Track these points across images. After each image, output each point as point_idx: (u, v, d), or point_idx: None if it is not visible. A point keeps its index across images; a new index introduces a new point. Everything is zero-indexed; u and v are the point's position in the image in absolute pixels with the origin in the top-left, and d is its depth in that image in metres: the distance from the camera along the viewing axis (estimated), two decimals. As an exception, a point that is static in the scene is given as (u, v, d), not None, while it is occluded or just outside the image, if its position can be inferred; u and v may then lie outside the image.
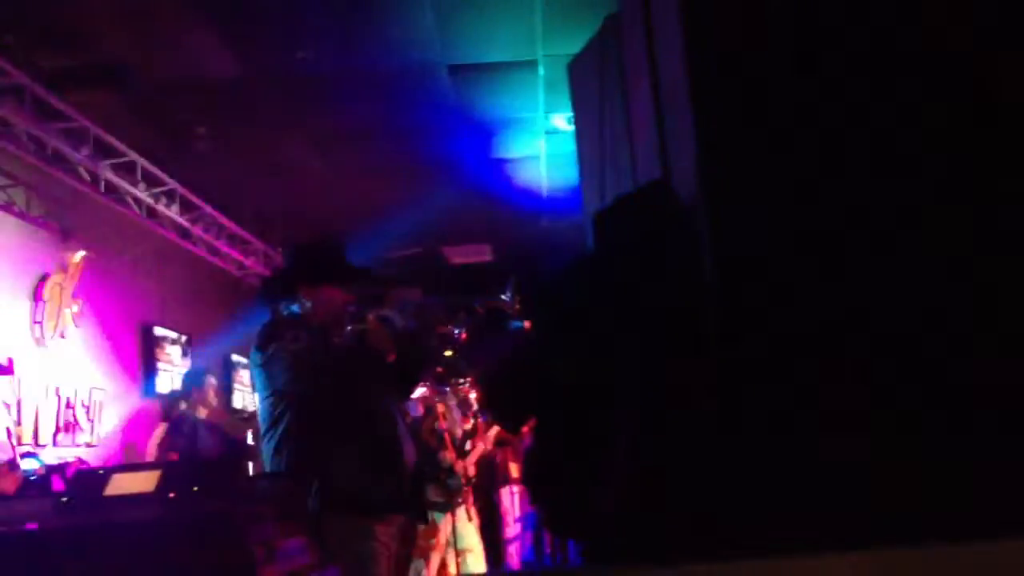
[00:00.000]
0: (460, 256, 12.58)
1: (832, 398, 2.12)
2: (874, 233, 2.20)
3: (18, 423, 6.82)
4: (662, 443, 2.15)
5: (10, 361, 4.41)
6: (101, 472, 3.01)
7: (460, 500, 6.93)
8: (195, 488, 2.91)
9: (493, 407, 2.89)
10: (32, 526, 2.61)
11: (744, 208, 2.37)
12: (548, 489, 2.31)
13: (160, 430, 7.21)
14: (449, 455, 6.81)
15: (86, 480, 3.04)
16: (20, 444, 6.49)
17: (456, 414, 7.14)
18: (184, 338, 9.63)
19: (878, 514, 1.80)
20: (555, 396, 2.38)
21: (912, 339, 2.01)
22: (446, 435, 6.98)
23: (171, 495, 2.81)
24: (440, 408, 6.90)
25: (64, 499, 2.91)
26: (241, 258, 10.27)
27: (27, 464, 4.58)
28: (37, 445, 6.99)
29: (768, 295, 2.26)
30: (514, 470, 8.96)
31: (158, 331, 9.28)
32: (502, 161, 9.56)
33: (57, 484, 4.69)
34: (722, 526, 1.81)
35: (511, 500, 8.49)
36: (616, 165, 3.60)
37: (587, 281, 2.49)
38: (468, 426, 7.25)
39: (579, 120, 4.25)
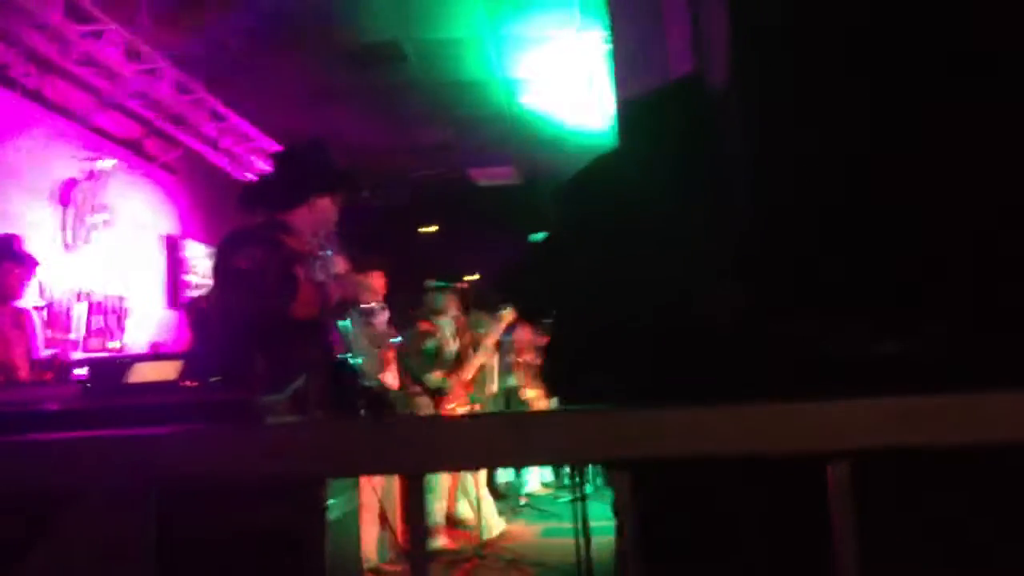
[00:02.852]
0: (486, 177, 12.51)
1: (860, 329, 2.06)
2: (921, 140, 2.12)
3: (48, 327, 6.88)
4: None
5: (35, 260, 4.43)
6: (121, 361, 3.03)
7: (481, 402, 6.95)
8: (213, 378, 2.93)
9: (514, 299, 2.86)
10: (53, 407, 2.62)
11: (779, 105, 2.29)
12: (566, 384, 2.28)
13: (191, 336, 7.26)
14: (437, 373, 6.79)
15: (108, 368, 3.06)
16: (49, 347, 6.55)
17: (447, 332, 7.09)
18: (211, 250, 9.66)
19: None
20: (575, 291, 2.34)
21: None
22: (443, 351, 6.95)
23: (191, 384, 2.82)
24: (424, 327, 6.86)
25: (87, 385, 2.93)
26: (270, 168, 10.24)
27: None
28: (59, 351, 7.06)
29: (799, 197, 2.20)
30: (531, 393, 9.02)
31: (184, 241, 9.31)
32: (531, 80, 9.42)
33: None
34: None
35: None
36: (650, 69, 3.52)
37: (613, 176, 2.43)
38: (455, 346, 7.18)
39: (614, 29, 4.15)
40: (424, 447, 0.95)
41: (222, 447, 0.98)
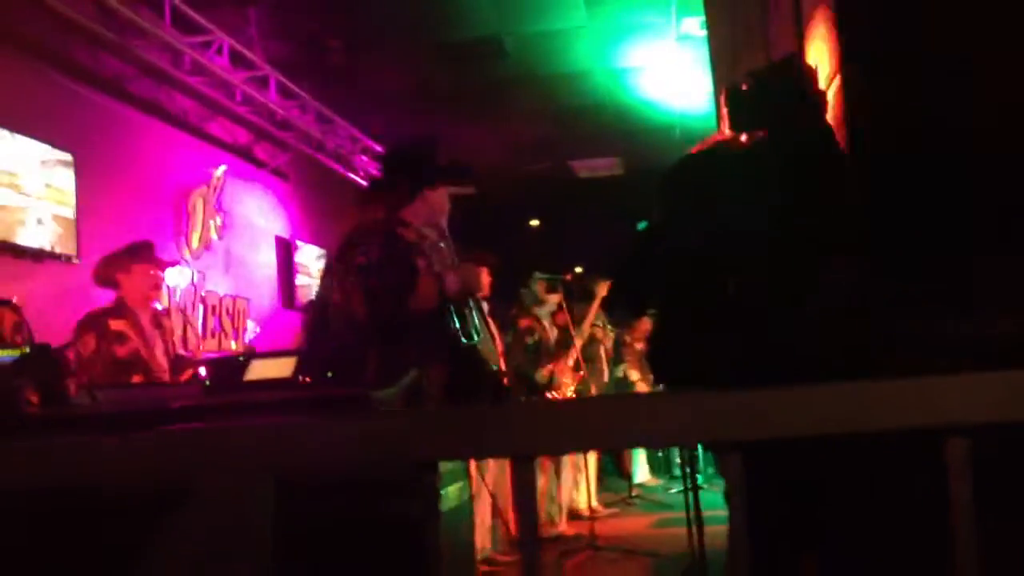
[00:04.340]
0: (587, 170, 12.47)
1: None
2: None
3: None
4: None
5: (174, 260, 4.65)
6: (241, 359, 3.12)
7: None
8: (328, 374, 2.99)
9: (619, 294, 2.86)
10: (176, 405, 2.72)
11: (880, 80, 2.25)
12: (673, 366, 2.27)
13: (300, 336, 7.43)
14: (546, 370, 6.80)
15: (227, 367, 3.16)
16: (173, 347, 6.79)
17: (545, 323, 7.09)
18: (322, 252, 9.88)
19: None
20: (684, 275, 2.32)
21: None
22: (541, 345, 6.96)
23: (306, 380, 2.89)
24: (524, 323, 6.86)
25: (207, 383, 3.02)
26: (375, 171, 10.42)
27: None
28: (185, 351, 7.31)
29: (901, 171, 2.16)
30: (641, 385, 8.97)
31: (295, 243, 9.53)
32: (633, 70, 9.36)
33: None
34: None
35: None
36: (750, 54, 3.47)
37: (720, 161, 2.41)
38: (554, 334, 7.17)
39: (712, 15, 4.11)
40: (528, 430, 0.96)
41: (336, 437, 1.00)
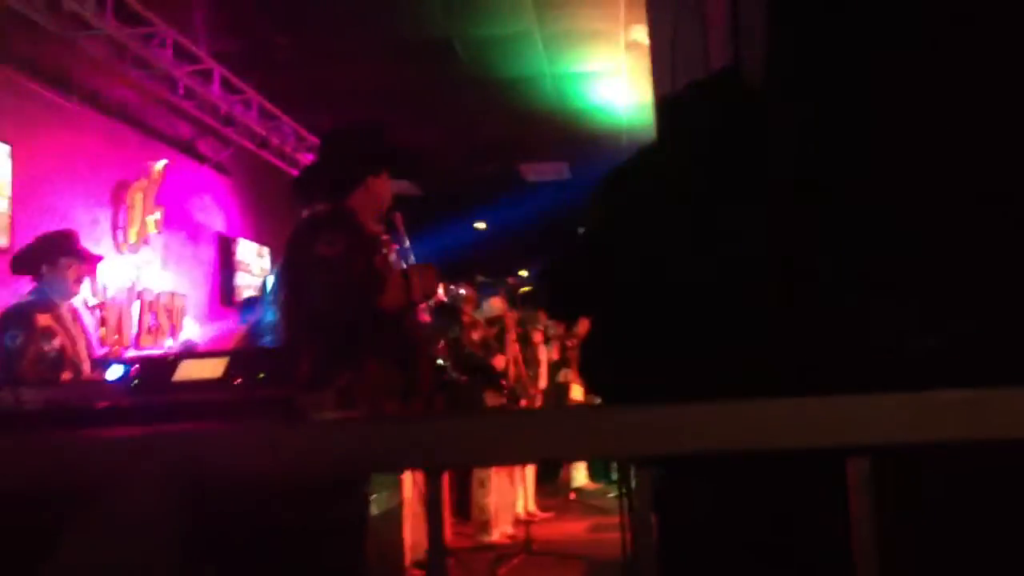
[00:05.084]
0: (535, 174, 12.50)
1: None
2: (969, 128, 2.08)
3: (102, 325, 7.01)
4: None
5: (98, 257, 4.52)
6: (170, 359, 3.07)
7: (530, 397, 6.96)
8: (260, 375, 2.96)
9: (551, 300, 2.85)
10: (101, 405, 2.67)
11: (817, 98, 2.27)
12: (606, 376, 2.28)
13: (240, 334, 7.34)
14: (499, 360, 6.81)
15: (155, 366, 3.11)
16: (103, 346, 6.68)
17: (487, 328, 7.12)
18: (264, 249, 9.78)
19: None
20: (614, 285, 2.33)
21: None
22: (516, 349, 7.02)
23: (236, 381, 2.86)
24: (467, 318, 6.87)
25: (134, 382, 2.97)
26: (319, 154, 10.35)
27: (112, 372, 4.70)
28: (119, 347, 7.20)
29: (843, 188, 2.18)
30: (577, 391, 9.01)
31: (236, 240, 9.43)
32: (581, 76, 9.40)
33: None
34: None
35: None
36: (688, 61, 3.50)
37: (652, 168, 2.42)
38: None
39: (653, 22, 4.14)
40: (456, 442, 0.96)
41: (259, 445, 0.99)
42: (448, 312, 6.65)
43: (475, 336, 6.88)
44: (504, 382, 6.71)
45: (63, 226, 5.90)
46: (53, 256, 4.14)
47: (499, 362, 6.80)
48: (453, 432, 0.98)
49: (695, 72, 3.19)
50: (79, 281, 4.26)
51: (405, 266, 3.42)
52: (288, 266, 3.45)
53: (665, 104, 2.44)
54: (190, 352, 5.77)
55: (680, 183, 2.27)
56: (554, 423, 0.98)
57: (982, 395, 0.92)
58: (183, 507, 1.01)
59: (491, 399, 6.54)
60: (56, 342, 4.00)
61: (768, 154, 2.22)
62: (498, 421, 1.03)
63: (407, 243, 3.56)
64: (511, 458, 1.01)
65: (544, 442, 0.96)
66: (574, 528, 7.28)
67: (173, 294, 8.19)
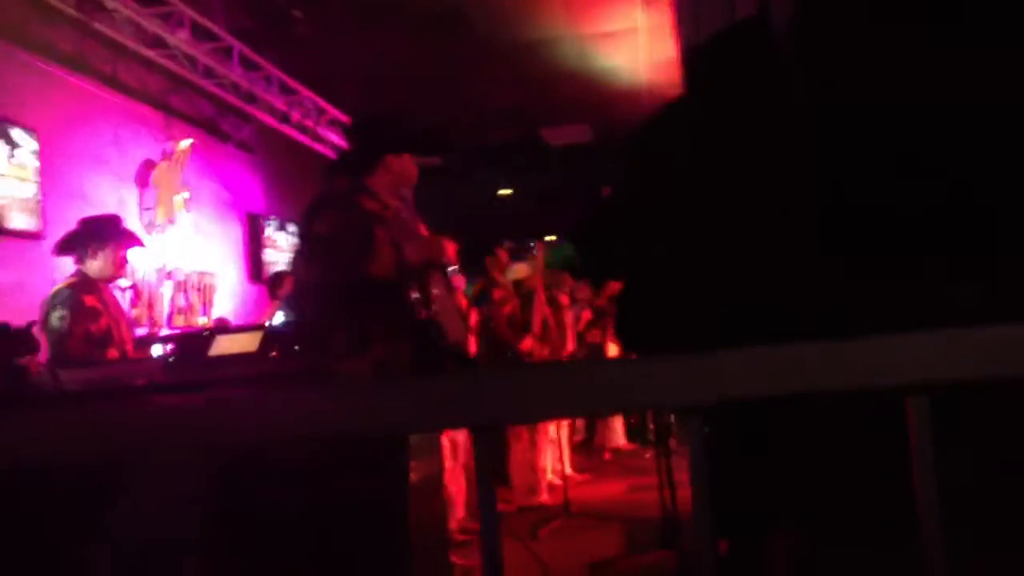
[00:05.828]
0: (559, 137, 12.43)
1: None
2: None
3: (134, 305, 7.06)
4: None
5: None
6: (206, 334, 3.08)
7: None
8: (295, 348, 2.97)
9: (586, 259, 2.83)
10: (140, 382, 2.69)
11: (846, 43, 2.22)
12: (639, 338, 2.25)
13: (272, 309, 7.37)
14: (526, 343, 6.79)
15: (192, 342, 3.12)
16: (137, 326, 6.72)
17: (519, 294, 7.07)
18: (290, 224, 9.80)
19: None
20: (646, 244, 2.30)
21: None
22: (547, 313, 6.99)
23: (272, 354, 2.87)
24: (498, 295, 6.84)
25: (170, 359, 2.99)
26: (342, 143, 10.33)
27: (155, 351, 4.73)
28: (153, 327, 7.25)
29: (867, 143, 2.13)
30: (613, 350, 8.99)
31: (264, 217, 9.45)
32: (600, 36, 9.31)
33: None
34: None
35: None
36: (712, 15, 3.44)
37: (681, 122, 2.38)
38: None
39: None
40: (489, 398, 0.94)
41: (286, 411, 0.98)
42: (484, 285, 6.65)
43: (505, 311, 6.86)
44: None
45: (90, 209, 5.94)
46: (101, 240, 4.22)
47: (526, 344, 6.77)
48: (500, 387, 0.96)
49: (720, 22, 3.15)
50: (124, 264, 4.34)
51: (404, 237, 3.50)
52: (296, 247, 3.60)
53: (691, 56, 2.39)
54: (224, 328, 5.80)
55: (709, 138, 2.23)
56: (602, 374, 0.97)
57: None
58: (217, 480, 1.00)
59: None
60: (103, 322, 4.04)
61: (796, 109, 2.18)
62: (546, 374, 1.02)
63: (415, 215, 3.73)
64: (562, 412, 0.99)
65: (594, 394, 0.94)
66: (612, 490, 7.29)
67: (203, 273, 8.23)
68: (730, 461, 1.44)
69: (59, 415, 0.94)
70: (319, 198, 3.59)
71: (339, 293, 3.26)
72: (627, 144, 2.60)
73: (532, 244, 7.37)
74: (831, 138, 2.16)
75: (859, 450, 1.37)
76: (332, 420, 0.95)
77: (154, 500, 0.94)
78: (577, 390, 0.95)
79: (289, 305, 6.49)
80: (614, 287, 6.82)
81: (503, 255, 7.05)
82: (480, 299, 6.76)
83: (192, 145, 8.04)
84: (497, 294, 6.87)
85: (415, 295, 3.39)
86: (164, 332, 7.07)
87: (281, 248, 9.57)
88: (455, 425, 0.96)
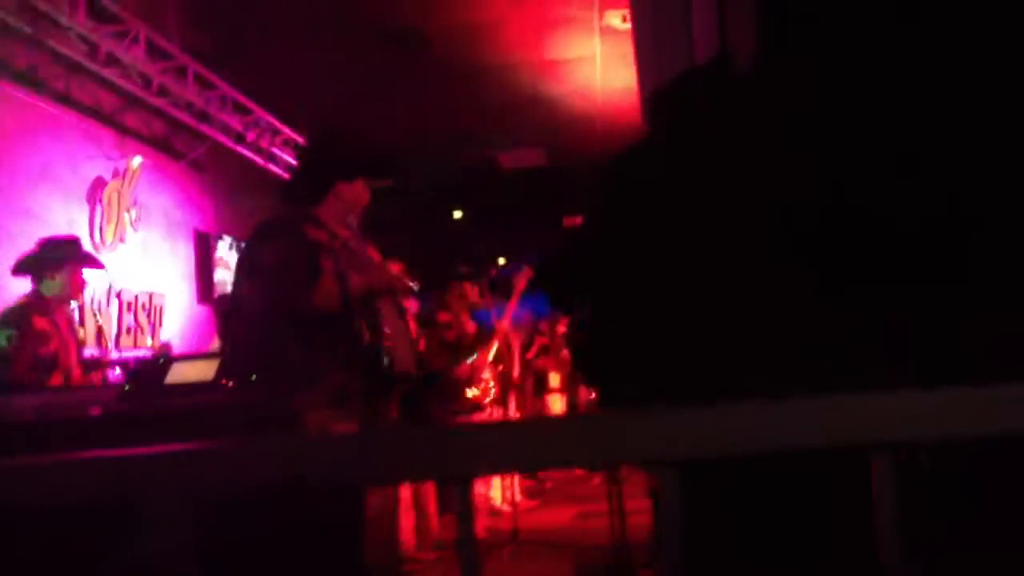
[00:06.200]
0: (512, 161, 12.48)
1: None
2: (945, 116, 2.09)
3: (81, 325, 6.96)
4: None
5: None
6: (162, 361, 3.06)
7: (483, 404, 6.94)
8: (252, 376, 2.96)
9: (549, 290, 2.86)
10: (95, 411, 2.66)
11: (804, 86, 2.28)
12: (602, 374, 2.28)
13: (222, 330, 7.31)
14: (463, 369, 6.79)
15: (147, 369, 3.10)
16: (83, 347, 6.63)
17: (467, 319, 7.09)
18: (241, 243, 9.73)
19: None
20: (611, 279, 2.34)
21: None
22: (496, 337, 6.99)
23: (229, 383, 2.85)
24: (443, 318, 6.86)
25: (126, 387, 2.96)
26: (296, 163, 10.30)
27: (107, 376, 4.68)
28: (101, 349, 7.15)
29: (828, 177, 2.19)
30: (554, 379, 9.03)
31: (214, 236, 9.38)
32: (556, 63, 9.40)
33: (119, 377, 4.79)
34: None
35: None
36: (673, 52, 3.50)
37: (646, 161, 2.43)
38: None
39: (635, 10, 4.14)
40: (457, 453, 0.97)
41: (264, 461, 0.99)
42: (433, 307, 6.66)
43: (449, 337, 6.85)
44: (462, 389, 6.66)
45: (42, 228, 5.88)
46: (59, 261, 4.18)
47: (463, 370, 6.76)
48: (475, 442, 0.98)
49: (680, 59, 3.20)
50: (82, 286, 4.31)
51: (350, 266, 3.47)
52: (237, 275, 3.64)
53: (655, 97, 2.44)
54: (182, 354, 5.75)
55: (674, 176, 2.28)
56: (578, 430, 0.99)
57: (1005, 389, 0.93)
58: (192, 520, 1.01)
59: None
60: (51, 345, 3.99)
61: (761, 145, 2.23)
62: (516, 429, 1.04)
63: (364, 242, 3.69)
64: (536, 465, 1.02)
65: (569, 447, 0.97)
66: (561, 517, 7.30)
67: (151, 293, 8.14)
68: (699, 507, 1.47)
69: (46, 458, 0.95)
70: (263, 226, 3.56)
71: (287, 324, 3.25)
72: (593, 180, 2.64)
73: (512, 269, 7.36)
74: (799, 170, 2.21)
75: (827, 500, 1.41)
76: (316, 470, 0.96)
77: (144, 544, 0.94)
78: (552, 444, 0.98)
79: (238, 333, 6.44)
80: (564, 320, 6.81)
81: (471, 290, 7.05)
82: (426, 321, 6.76)
83: (143, 163, 7.97)
84: (443, 317, 6.87)
85: (364, 324, 3.39)
86: (113, 355, 6.97)
87: (232, 268, 9.50)
88: (431, 479, 0.98)
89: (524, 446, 0.97)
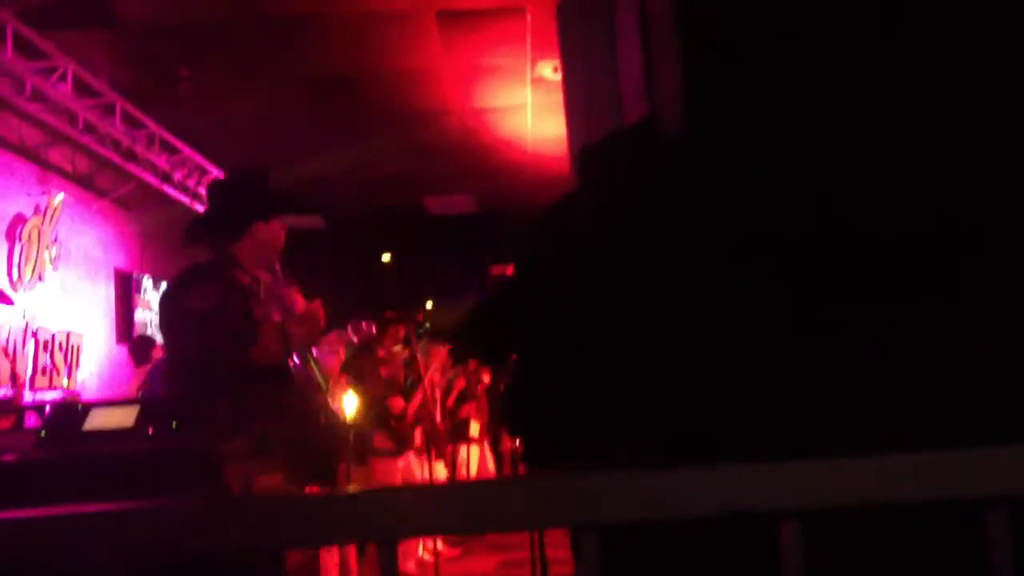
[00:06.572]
0: (441, 207, 12.53)
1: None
2: (867, 165, 2.17)
3: (-5, 365, 6.79)
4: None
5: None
6: (80, 407, 3.00)
7: (408, 447, 6.93)
8: (174, 424, 2.91)
9: (472, 346, 2.88)
10: (9, 458, 2.60)
11: (729, 145, 2.35)
12: (531, 424, 2.31)
13: (140, 377, 7.19)
14: (397, 402, 6.80)
15: (65, 415, 3.03)
16: (-1, 386, 6.47)
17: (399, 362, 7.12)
18: (164, 284, 9.59)
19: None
20: (538, 332, 2.37)
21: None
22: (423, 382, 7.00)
23: (149, 431, 2.81)
24: (381, 353, 6.88)
25: (42, 433, 2.90)
26: (210, 199, 10.19)
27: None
28: (15, 389, 6.97)
29: (751, 233, 2.25)
30: (474, 428, 9.04)
31: (137, 276, 9.23)
32: (487, 110, 9.49)
33: (33, 421, 4.67)
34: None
35: (467, 457, 8.66)
36: (603, 108, 3.58)
37: (571, 217, 2.47)
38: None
39: (566, 64, 4.22)
40: (381, 516, 0.98)
41: (198, 523, 1.00)
42: (364, 349, 6.65)
43: (383, 372, 6.85)
44: (395, 424, 6.68)
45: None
46: None
47: (396, 404, 6.76)
48: (405, 504, 1.00)
49: (609, 112, 3.27)
50: None
51: (282, 315, 3.39)
52: (163, 320, 3.47)
53: (584, 153, 2.50)
54: (100, 400, 5.62)
55: (599, 233, 2.33)
56: (500, 495, 1.01)
57: (910, 459, 0.98)
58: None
59: (379, 442, 6.52)
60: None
61: (684, 207, 2.29)
62: (449, 492, 1.06)
63: (292, 286, 3.53)
64: (466, 528, 1.04)
65: (497, 512, 0.99)
66: (484, 566, 7.27)
67: (69, 333, 7.97)
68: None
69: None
70: (189, 269, 3.42)
71: (218, 370, 3.16)
72: (525, 232, 2.68)
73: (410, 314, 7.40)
74: (724, 227, 2.27)
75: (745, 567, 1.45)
76: (236, 535, 0.97)
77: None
78: (474, 508, 1.00)
79: (161, 378, 6.35)
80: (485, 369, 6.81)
81: (401, 330, 7.07)
82: (350, 366, 6.73)
83: (65, 200, 7.84)
84: (381, 352, 6.88)
85: (297, 370, 3.35)
86: (28, 397, 6.81)
87: (154, 309, 9.35)
88: (355, 541, 0.99)
89: (447, 510, 0.99)
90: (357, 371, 6.55)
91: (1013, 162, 1.93)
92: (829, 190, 2.17)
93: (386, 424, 6.63)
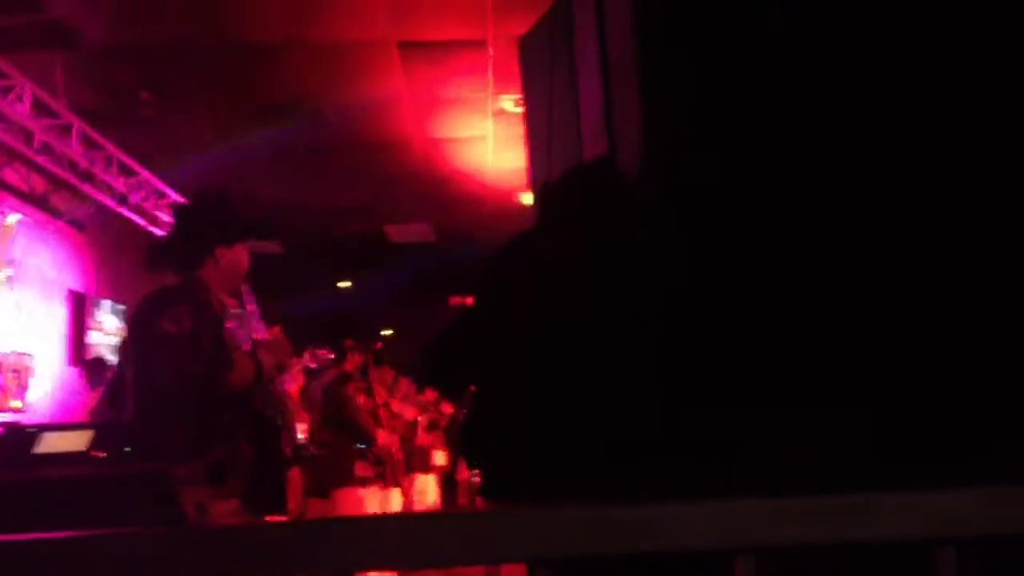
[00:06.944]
0: (401, 235, 12.53)
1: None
2: (832, 215, 2.20)
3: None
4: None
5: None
6: (32, 431, 2.97)
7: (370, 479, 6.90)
8: (127, 448, 2.89)
9: (432, 376, 2.89)
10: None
11: (689, 185, 2.39)
12: (489, 455, 2.32)
13: (94, 399, 7.08)
14: (380, 431, 6.78)
15: (16, 438, 3.00)
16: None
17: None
18: (121, 307, 9.48)
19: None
20: (497, 364, 2.38)
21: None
22: (380, 411, 6.99)
23: (102, 455, 2.79)
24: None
25: (-8, 456, 2.87)
26: (172, 223, 10.11)
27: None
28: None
29: (711, 274, 2.28)
30: (439, 457, 9.01)
31: (91, 298, 9.12)
32: (448, 141, 9.53)
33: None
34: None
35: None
36: (563, 142, 3.61)
37: (532, 252, 2.50)
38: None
39: (528, 97, 4.25)
40: (337, 549, 0.99)
41: (148, 551, 0.99)
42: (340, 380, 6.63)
43: (360, 403, 6.83)
44: (372, 453, 6.66)
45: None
46: None
47: (382, 436, 6.75)
48: (364, 535, 1.01)
49: (570, 147, 3.30)
50: None
51: (253, 340, 3.38)
52: (133, 343, 3.42)
53: (543, 192, 2.53)
54: (52, 424, 5.55)
55: (560, 267, 2.35)
56: (457, 528, 1.02)
57: (870, 499, 1.00)
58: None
59: (361, 470, 6.48)
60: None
61: (643, 243, 2.32)
62: (407, 525, 1.07)
63: (256, 311, 3.51)
64: (422, 563, 1.05)
65: (447, 547, 1.00)
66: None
67: (21, 354, 7.85)
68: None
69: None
70: (159, 293, 3.38)
71: (189, 395, 3.10)
72: (485, 266, 2.70)
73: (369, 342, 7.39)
74: (672, 271, 2.30)
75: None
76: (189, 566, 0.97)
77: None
78: (431, 541, 1.01)
79: (117, 401, 6.25)
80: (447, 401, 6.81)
81: (359, 357, 7.05)
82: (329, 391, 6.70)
83: (20, 221, 7.75)
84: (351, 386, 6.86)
85: (263, 397, 3.31)
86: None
87: (108, 331, 9.23)
88: (310, 574, 1.00)
89: (405, 543, 1.00)
90: (336, 399, 6.52)
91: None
92: (787, 230, 2.20)
93: (367, 452, 6.59)
